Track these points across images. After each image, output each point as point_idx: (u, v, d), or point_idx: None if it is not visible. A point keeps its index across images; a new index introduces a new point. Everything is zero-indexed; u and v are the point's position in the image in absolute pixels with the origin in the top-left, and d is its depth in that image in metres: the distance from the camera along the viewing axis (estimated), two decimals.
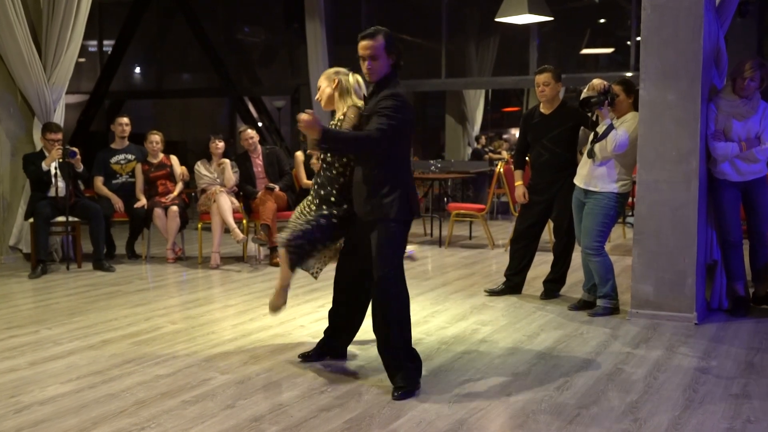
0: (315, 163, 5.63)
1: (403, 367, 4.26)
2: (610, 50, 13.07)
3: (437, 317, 5.99)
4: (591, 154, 5.95)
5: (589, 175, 6.01)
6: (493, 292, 6.74)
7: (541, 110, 6.54)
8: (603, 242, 6.08)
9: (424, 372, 4.57)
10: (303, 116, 4.00)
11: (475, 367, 4.73)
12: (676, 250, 5.82)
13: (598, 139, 5.86)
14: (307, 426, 3.77)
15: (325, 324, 5.33)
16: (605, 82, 5.91)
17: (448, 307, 6.30)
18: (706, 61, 5.80)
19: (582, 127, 6.25)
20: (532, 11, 10.91)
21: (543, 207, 6.58)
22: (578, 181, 6.11)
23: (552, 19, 11.59)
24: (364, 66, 4.29)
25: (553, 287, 6.66)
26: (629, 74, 6.10)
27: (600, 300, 6.10)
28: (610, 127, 5.83)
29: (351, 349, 5.06)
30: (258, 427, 3.77)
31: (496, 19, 11.29)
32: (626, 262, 7.49)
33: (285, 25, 13.44)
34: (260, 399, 4.15)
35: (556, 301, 6.51)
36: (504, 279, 6.82)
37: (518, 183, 6.77)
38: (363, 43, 4.26)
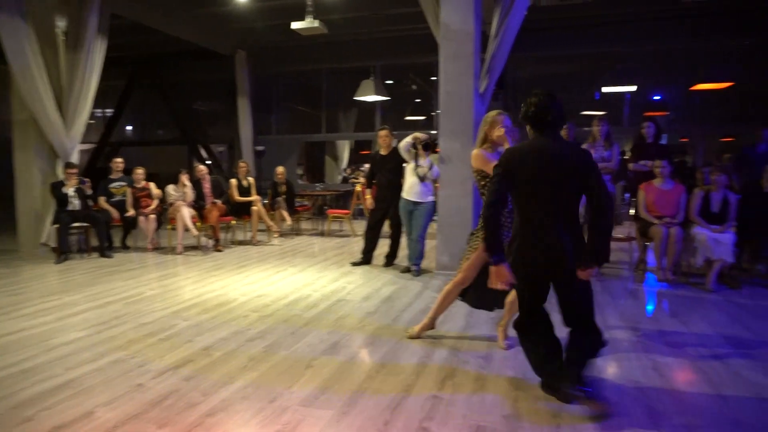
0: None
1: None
2: (423, 117, 13.36)
3: (321, 280, 5.93)
4: (422, 178, 6.05)
5: (418, 193, 6.01)
6: (355, 264, 6.75)
7: (381, 152, 6.63)
8: (425, 232, 6.23)
9: (314, 313, 4.56)
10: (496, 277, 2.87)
11: (344, 309, 4.75)
12: (460, 235, 6.01)
13: (421, 168, 6.00)
14: (238, 351, 3.70)
15: (251, 287, 5.17)
16: (425, 135, 6.05)
17: (328, 274, 6.25)
18: (476, 125, 6.05)
19: (404, 163, 6.39)
20: (377, 93, 11.07)
21: (383, 211, 6.69)
22: (409, 196, 6.06)
23: (389, 98, 11.80)
24: None
25: (390, 260, 6.76)
26: (434, 132, 6.30)
27: (416, 266, 6.22)
28: (431, 164, 6.01)
29: (267, 290, 5.00)
30: (208, 353, 3.67)
31: (355, 98, 11.38)
32: (432, 244, 7.64)
33: (225, 99, 12.99)
34: (209, 336, 4.03)
35: (392, 268, 6.60)
36: (361, 255, 6.86)
37: (368, 196, 6.81)
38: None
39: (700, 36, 9.91)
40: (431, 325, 4.03)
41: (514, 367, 3.42)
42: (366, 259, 6.77)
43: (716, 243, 5.41)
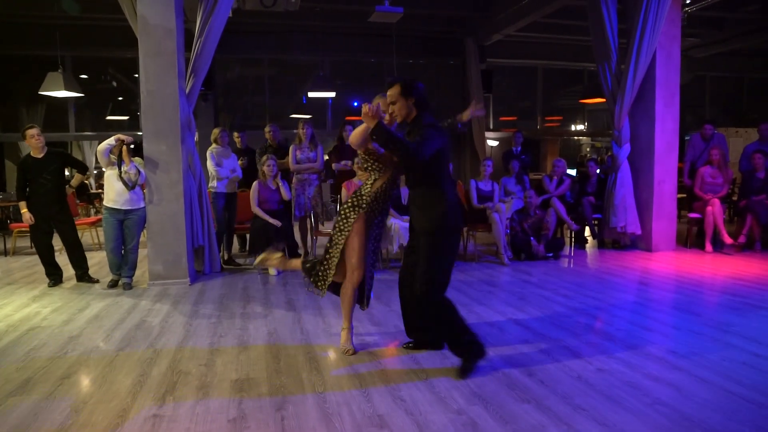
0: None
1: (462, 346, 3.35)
2: (127, 117, 12.17)
3: (6, 308, 4.96)
4: (132, 185, 5.46)
5: (128, 200, 5.49)
6: (53, 285, 5.80)
7: (34, 155, 5.63)
8: (139, 241, 5.73)
9: None
10: (365, 106, 3.06)
11: (39, 338, 4.09)
12: (173, 241, 5.75)
13: (129, 174, 5.47)
14: None
15: None
16: (130, 137, 5.53)
17: (15, 300, 5.26)
18: (183, 127, 5.80)
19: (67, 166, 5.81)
20: (67, 89, 9.66)
21: (47, 225, 5.74)
22: (117, 205, 5.46)
23: (83, 95, 10.47)
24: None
25: (83, 277, 5.96)
26: (140, 133, 5.75)
27: (127, 278, 5.71)
28: (137, 168, 5.52)
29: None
30: None
31: (41, 92, 9.76)
32: (144, 254, 7.06)
33: None
34: None
35: (99, 285, 5.90)
36: (56, 275, 5.89)
37: (24, 210, 5.65)
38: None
39: (385, 53, 11.27)
40: (350, 331, 3.71)
41: (237, 369, 3.40)
42: (61, 277, 5.90)
43: (407, 230, 6.22)
